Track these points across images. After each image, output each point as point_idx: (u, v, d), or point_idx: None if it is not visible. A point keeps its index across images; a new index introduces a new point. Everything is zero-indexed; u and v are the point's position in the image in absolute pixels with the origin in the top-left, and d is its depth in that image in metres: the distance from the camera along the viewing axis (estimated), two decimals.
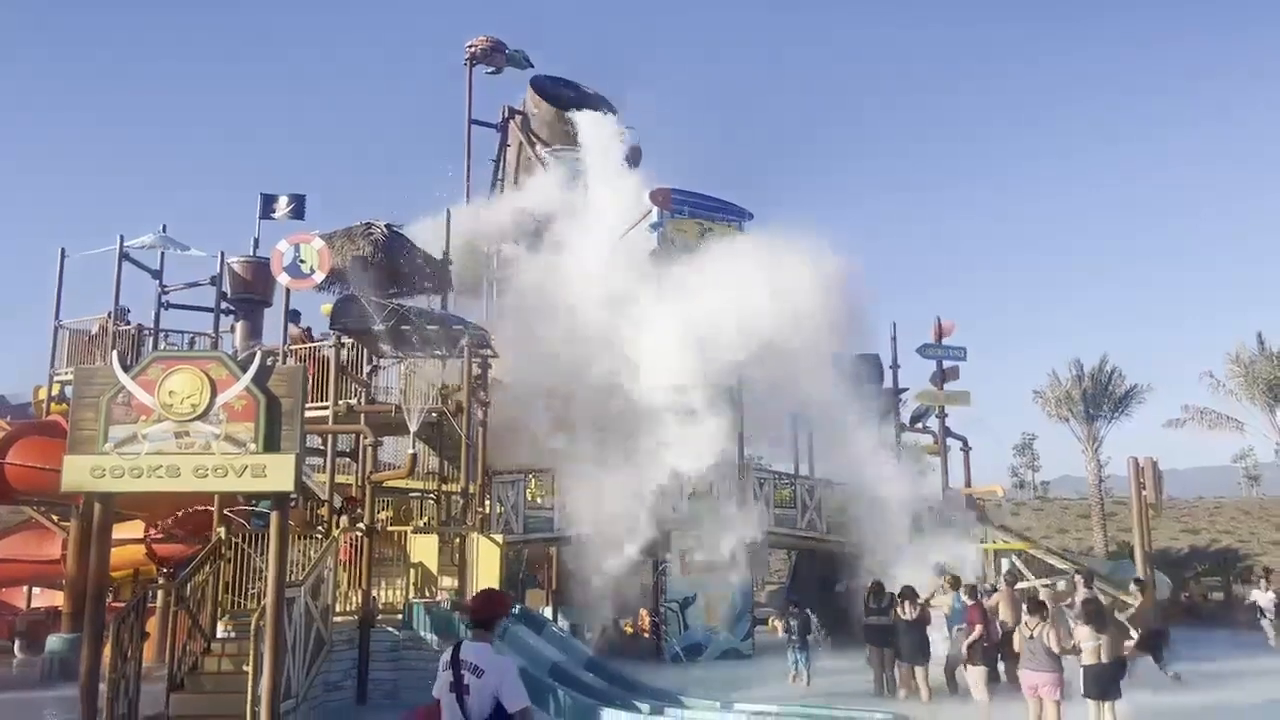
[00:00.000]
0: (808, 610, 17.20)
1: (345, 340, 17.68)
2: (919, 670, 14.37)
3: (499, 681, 5.46)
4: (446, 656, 5.54)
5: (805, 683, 15.95)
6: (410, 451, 15.30)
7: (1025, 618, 12.14)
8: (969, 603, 14.67)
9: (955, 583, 15.95)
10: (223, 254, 21.53)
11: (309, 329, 19.39)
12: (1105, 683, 11.46)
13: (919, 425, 25.41)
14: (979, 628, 14.01)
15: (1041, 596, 15.40)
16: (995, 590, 16.39)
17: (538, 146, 23.98)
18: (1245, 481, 76.70)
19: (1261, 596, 23.31)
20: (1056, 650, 11.55)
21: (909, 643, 14.50)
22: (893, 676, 14.83)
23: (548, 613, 20.22)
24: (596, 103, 24.54)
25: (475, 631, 5.70)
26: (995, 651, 15.49)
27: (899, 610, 14.76)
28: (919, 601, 14.91)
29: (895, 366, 24.67)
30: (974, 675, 13.87)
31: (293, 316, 19.44)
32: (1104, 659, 11.54)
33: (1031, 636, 11.89)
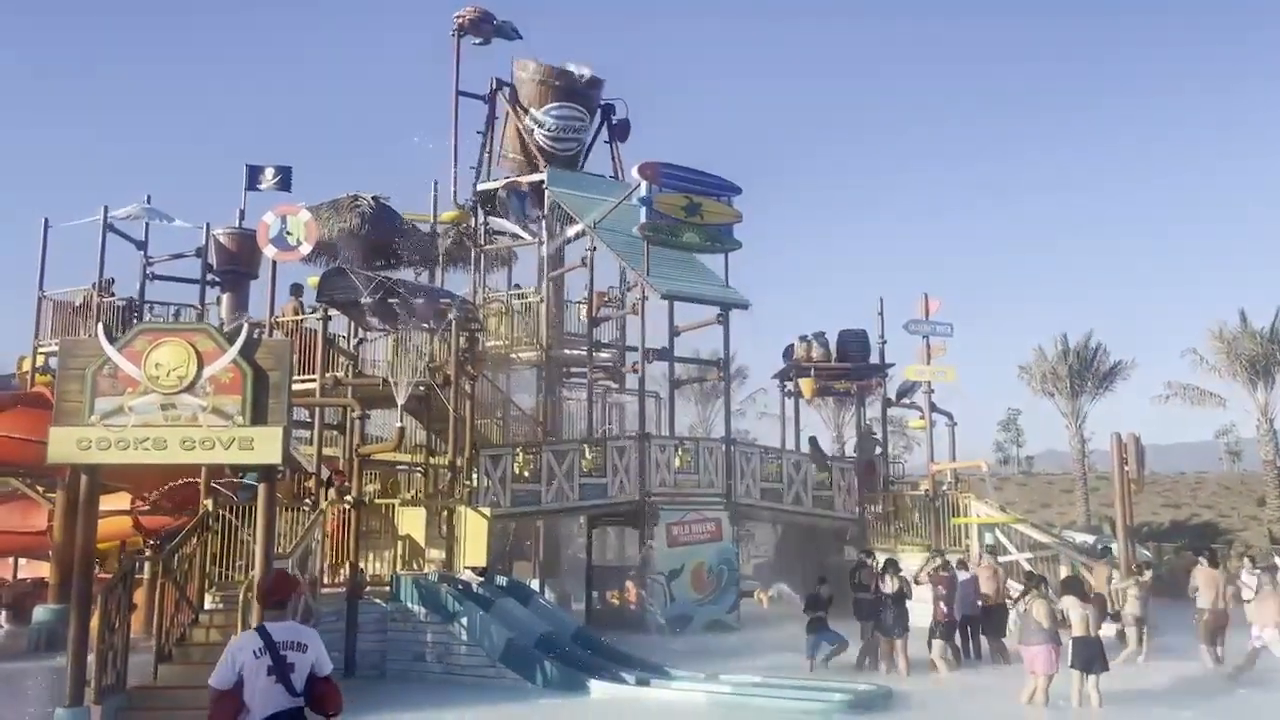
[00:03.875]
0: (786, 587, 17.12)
1: (332, 313, 17.63)
2: (898, 643, 14.48)
3: (317, 652, 5.83)
4: (256, 644, 5.69)
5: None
6: (398, 425, 15.30)
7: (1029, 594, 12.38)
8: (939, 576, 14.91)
9: (941, 557, 16.13)
10: (208, 226, 21.40)
11: (302, 303, 19.30)
12: (1091, 655, 11.61)
13: (905, 400, 25.53)
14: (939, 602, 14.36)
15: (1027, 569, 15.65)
16: (963, 565, 16.59)
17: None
18: (1227, 457, 77.30)
19: (1247, 576, 23.43)
20: (1045, 624, 11.68)
21: (889, 615, 14.59)
22: (875, 649, 14.99)
23: (535, 585, 20.32)
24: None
25: (274, 613, 5.95)
26: (971, 624, 15.72)
27: (880, 583, 14.82)
28: (900, 574, 15.00)
29: (883, 341, 24.75)
30: (935, 649, 14.18)
31: (295, 290, 19.37)
32: (1091, 631, 11.71)
33: (1025, 611, 12.04)
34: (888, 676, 13.90)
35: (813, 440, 24.40)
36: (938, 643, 14.30)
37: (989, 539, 20.66)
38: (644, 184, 20.80)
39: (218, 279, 21.77)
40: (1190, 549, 17.91)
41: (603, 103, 25.11)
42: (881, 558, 16.50)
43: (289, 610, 6.10)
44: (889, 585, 14.66)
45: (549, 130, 23.93)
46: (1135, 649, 15.14)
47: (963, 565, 16.66)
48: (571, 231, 23.05)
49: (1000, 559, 19.08)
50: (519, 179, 23.62)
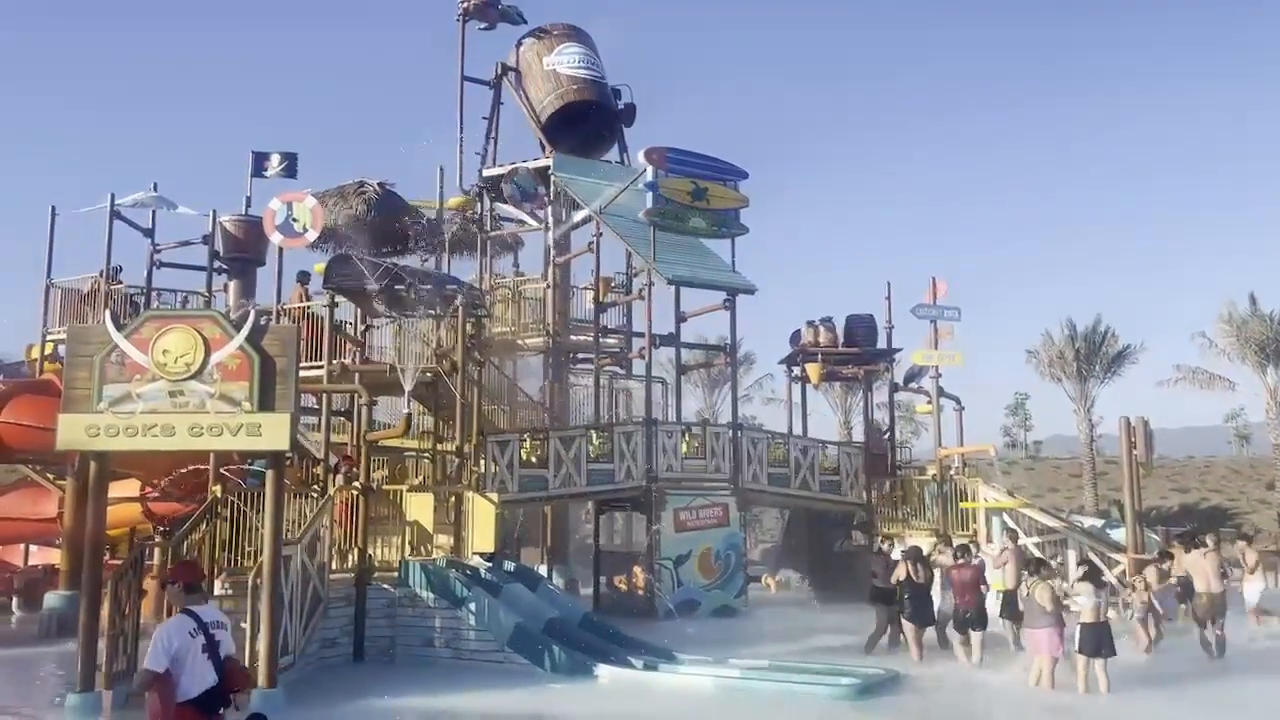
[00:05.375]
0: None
1: (339, 299, 17.63)
2: (916, 630, 14.35)
3: (229, 631, 6.43)
4: (190, 625, 6.21)
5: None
6: (405, 411, 15.31)
7: (1025, 578, 12.31)
8: (956, 563, 14.77)
9: (949, 543, 16.05)
10: (214, 212, 21.36)
11: (308, 289, 19.28)
12: (1099, 640, 11.62)
13: (912, 385, 25.46)
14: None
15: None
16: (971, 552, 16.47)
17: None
18: (1236, 441, 77.11)
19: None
20: (1049, 607, 11.67)
21: (913, 603, 14.39)
22: (888, 636, 14.92)
23: (542, 570, 20.37)
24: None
25: (193, 596, 6.55)
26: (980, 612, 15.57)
27: (911, 571, 14.60)
28: (921, 562, 14.82)
29: (890, 326, 24.68)
30: (974, 638, 14.05)
31: (302, 277, 19.38)
32: (1100, 618, 11.71)
33: (1029, 595, 12.03)
34: (907, 661, 13.83)
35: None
36: (975, 633, 13.97)
37: (997, 524, 20.62)
38: (650, 169, 20.75)
39: (224, 266, 21.76)
40: (1186, 535, 17.85)
41: (611, 85, 25.04)
42: (895, 545, 16.43)
43: (202, 593, 6.74)
44: (904, 573, 14.53)
45: (571, 62, 24.01)
46: (1151, 638, 14.81)
47: (974, 546, 16.57)
48: (578, 217, 23.01)
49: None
50: (529, 163, 23.58)
